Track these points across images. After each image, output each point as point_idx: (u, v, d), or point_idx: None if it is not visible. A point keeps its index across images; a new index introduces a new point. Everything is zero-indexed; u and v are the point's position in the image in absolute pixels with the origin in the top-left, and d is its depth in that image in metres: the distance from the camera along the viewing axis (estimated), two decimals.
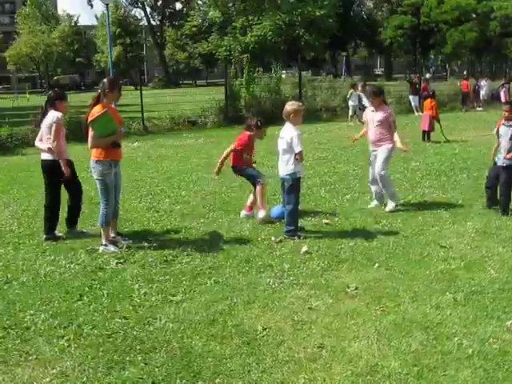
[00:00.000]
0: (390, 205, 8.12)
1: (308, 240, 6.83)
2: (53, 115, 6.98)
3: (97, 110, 6.40)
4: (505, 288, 5.34)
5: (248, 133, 7.80)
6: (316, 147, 14.50)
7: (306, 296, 5.22)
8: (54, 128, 6.91)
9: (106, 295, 5.33)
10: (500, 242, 6.72)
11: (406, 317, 4.75)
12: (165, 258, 6.33)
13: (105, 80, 6.60)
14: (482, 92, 27.61)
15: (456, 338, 4.38)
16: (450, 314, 4.80)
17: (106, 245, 6.65)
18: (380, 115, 8.16)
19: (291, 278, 5.64)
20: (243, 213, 7.94)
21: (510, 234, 6.97)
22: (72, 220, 7.42)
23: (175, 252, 6.50)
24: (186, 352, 4.25)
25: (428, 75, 56.25)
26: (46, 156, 7.11)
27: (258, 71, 21.92)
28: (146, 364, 4.09)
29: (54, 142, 6.93)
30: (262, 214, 7.66)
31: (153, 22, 79.06)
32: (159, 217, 8.13)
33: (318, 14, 49.04)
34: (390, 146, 8.21)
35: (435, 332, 4.50)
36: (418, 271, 5.80)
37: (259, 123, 7.74)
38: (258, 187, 7.67)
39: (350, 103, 20.69)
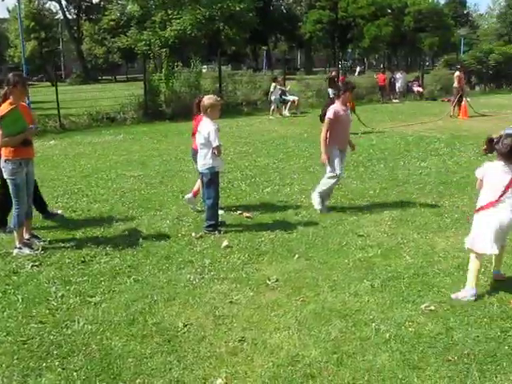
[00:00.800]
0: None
1: (229, 234, 6.83)
2: None
3: (4, 108, 6.13)
4: (419, 273, 5.56)
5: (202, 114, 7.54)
6: (237, 141, 14.51)
7: (227, 290, 5.22)
8: None
9: (20, 300, 5.11)
10: (415, 228, 6.97)
11: (325, 306, 4.85)
12: (83, 258, 6.15)
13: (9, 76, 6.32)
14: (398, 84, 28.52)
15: (374, 324, 4.51)
16: (368, 301, 4.94)
17: (20, 247, 6.39)
18: (350, 116, 8.00)
19: (212, 273, 5.63)
20: (188, 196, 8.02)
21: (425, 221, 7.25)
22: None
23: (93, 252, 6.34)
24: (106, 354, 4.16)
25: (358, 68, 57.72)
26: None
27: (177, 66, 21.68)
28: (63, 369, 3.97)
29: None
30: (189, 195, 7.93)
31: (69, 16, 76.55)
32: (76, 217, 7.89)
33: (237, 8, 49.20)
34: None
35: (354, 319, 4.61)
36: (336, 260, 5.92)
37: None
38: None
39: (273, 97, 20.80)
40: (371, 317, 4.64)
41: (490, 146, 4.95)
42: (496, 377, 3.83)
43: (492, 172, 4.92)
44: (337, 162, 7.69)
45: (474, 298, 4.96)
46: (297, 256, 6.06)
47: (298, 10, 76.28)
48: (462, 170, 10.43)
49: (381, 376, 3.83)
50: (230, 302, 4.98)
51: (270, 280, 5.41)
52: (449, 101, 22.39)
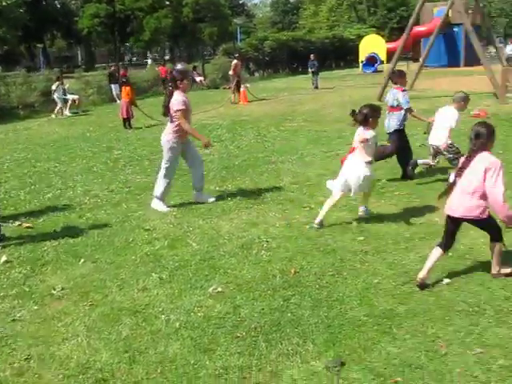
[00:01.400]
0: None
1: (7, 248, 6.36)
2: None
3: None
4: (206, 258, 5.73)
5: None
6: (14, 148, 13.59)
7: (8, 309, 4.88)
8: None
9: None
10: (200, 215, 7.16)
11: (114, 306, 4.79)
12: None
13: None
14: None
15: (164, 316, 4.56)
16: (157, 294, 4.98)
17: None
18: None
19: None
20: None
21: (209, 207, 7.47)
22: None
23: None
24: None
25: (150, 61, 57.08)
26: None
27: None
28: None
29: None
30: None
31: None
32: None
33: (4, 3, 45.87)
34: None
35: (144, 314, 4.62)
36: (124, 258, 5.87)
37: None
38: None
39: (56, 95, 19.96)
40: (161, 309, 4.69)
41: (354, 116, 6.21)
42: (281, 344, 4.09)
43: (357, 134, 6.26)
44: (177, 158, 7.66)
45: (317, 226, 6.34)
46: (83, 260, 5.86)
47: (73, 4, 73.37)
48: (244, 154, 10.94)
49: (174, 365, 3.89)
50: (13, 320, 4.68)
51: (55, 289, 5.17)
52: (230, 88, 23.28)
